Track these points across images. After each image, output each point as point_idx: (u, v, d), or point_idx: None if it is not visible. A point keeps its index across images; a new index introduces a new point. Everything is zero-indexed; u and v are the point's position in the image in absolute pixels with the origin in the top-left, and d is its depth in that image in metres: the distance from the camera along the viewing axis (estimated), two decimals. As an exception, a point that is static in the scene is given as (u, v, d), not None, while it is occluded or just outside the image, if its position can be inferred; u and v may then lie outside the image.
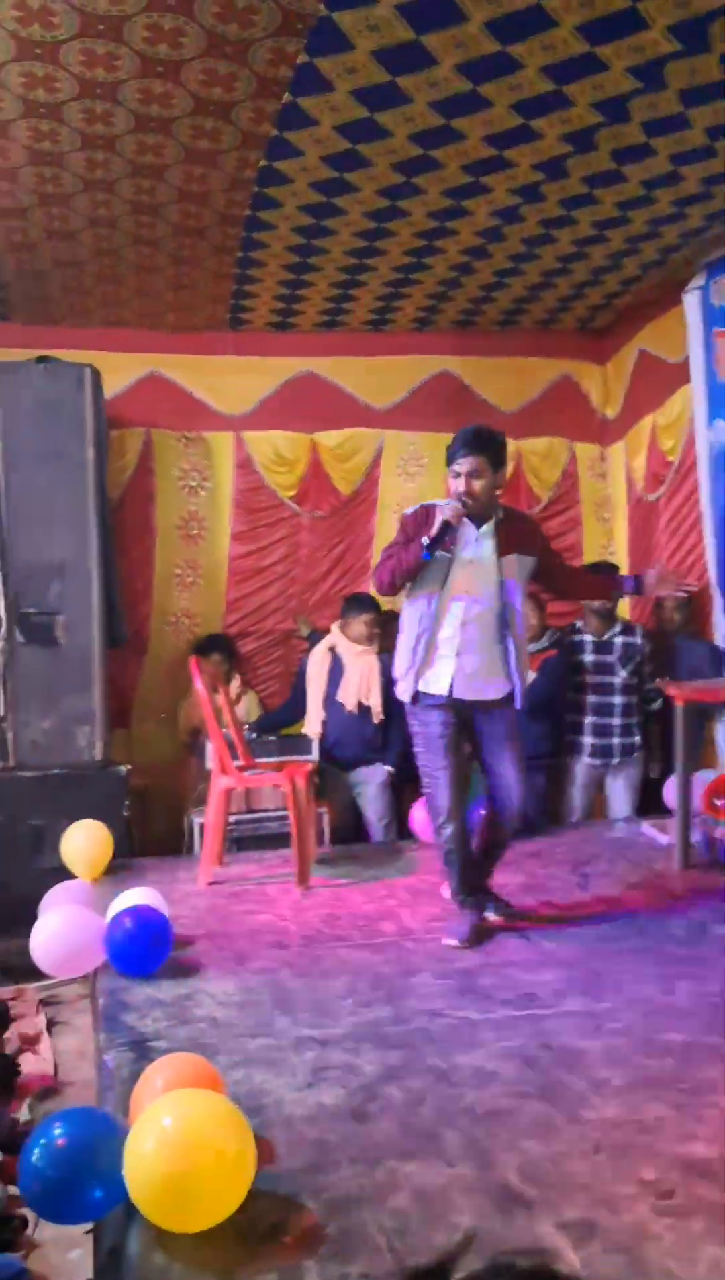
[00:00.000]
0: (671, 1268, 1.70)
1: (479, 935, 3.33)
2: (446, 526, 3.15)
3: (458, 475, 3.22)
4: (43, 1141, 1.94)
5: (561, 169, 3.84)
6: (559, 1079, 2.39)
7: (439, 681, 3.31)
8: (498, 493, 3.29)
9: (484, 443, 3.24)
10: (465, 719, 3.37)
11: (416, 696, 3.36)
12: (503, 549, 3.26)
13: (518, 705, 3.37)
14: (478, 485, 3.20)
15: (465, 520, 3.23)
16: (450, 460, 3.25)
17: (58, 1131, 1.96)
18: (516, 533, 3.31)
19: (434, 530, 3.16)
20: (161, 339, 5.55)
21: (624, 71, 3.15)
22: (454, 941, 3.28)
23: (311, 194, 4.02)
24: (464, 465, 3.21)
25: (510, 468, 5.82)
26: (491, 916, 3.47)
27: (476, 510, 3.23)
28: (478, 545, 3.28)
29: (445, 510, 3.16)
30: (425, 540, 3.18)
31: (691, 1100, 2.25)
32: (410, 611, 3.36)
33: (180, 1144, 1.81)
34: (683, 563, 5.38)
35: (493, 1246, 1.80)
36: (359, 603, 5.05)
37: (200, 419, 5.63)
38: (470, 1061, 2.49)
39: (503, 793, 3.42)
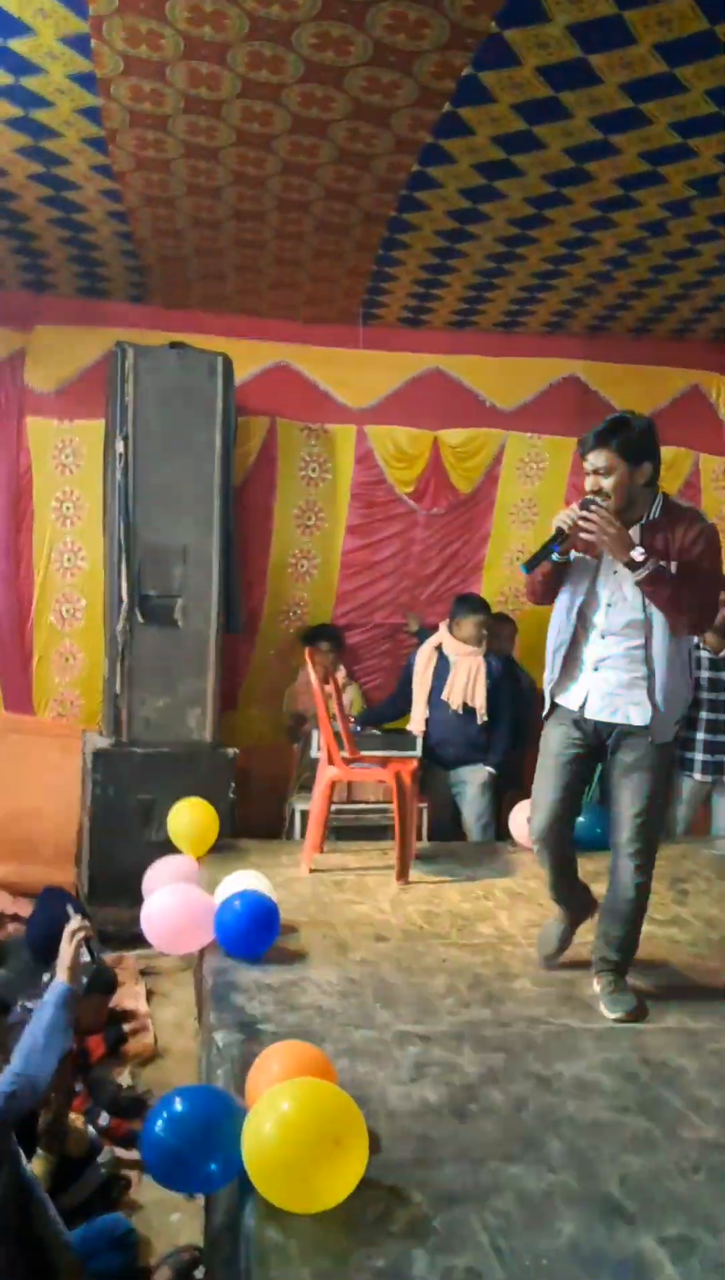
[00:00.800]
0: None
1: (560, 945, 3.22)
2: (560, 534, 2.83)
3: (589, 473, 2.87)
4: (166, 1113, 2.07)
5: (714, 187, 3.81)
6: (659, 1096, 2.44)
7: (573, 697, 2.99)
8: (646, 487, 2.85)
9: (613, 432, 2.80)
10: (598, 743, 3.00)
11: (551, 709, 3.07)
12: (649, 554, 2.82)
13: (654, 737, 2.90)
14: (608, 483, 2.80)
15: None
16: (584, 456, 2.91)
17: (181, 1105, 2.08)
18: (664, 538, 2.83)
19: (550, 538, 2.87)
20: (293, 329, 5.64)
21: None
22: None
23: (459, 199, 4.06)
24: (591, 461, 2.85)
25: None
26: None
27: (615, 510, 2.81)
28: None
29: (562, 517, 2.85)
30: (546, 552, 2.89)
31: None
32: (553, 619, 3.06)
33: (300, 1129, 1.91)
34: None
35: (594, 1255, 1.87)
36: (468, 603, 5.08)
37: (324, 410, 5.72)
38: (571, 1070, 2.55)
39: (612, 834, 3.01)
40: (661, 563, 2.78)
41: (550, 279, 4.95)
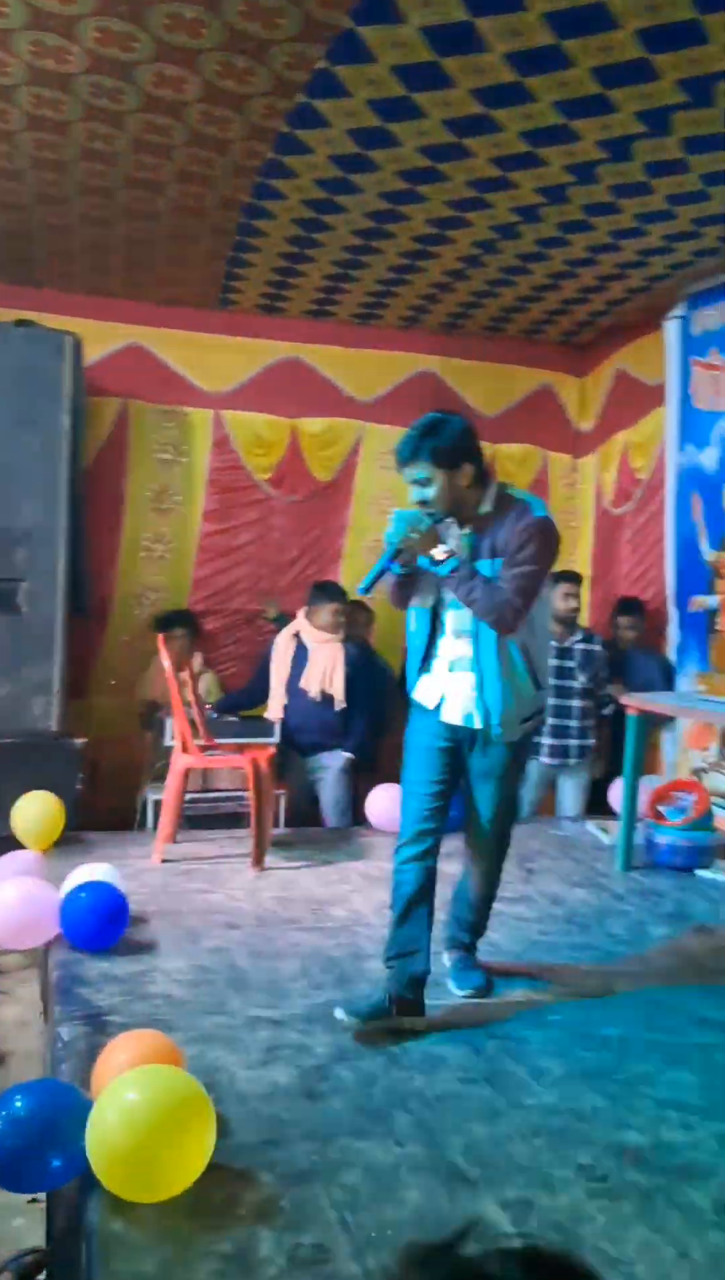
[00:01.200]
0: (604, 1247, 1.85)
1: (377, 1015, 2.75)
2: (396, 551, 2.66)
3: (409, 484, 2.73)
4: (4, 1112, 1.99)
5: (563, 195, 3.95)
6: (503, 1067, 2.53)
7: (430, 696, 2.88)
8: (471, 488, 2.69)
9: (422, 442, 2.66)
10: (457, 743, 2.89)
11: (412, 702, 2.96)
12: (475, 553, 2.73)
13: (494, 741, 2.83)
14: (430, 493, 2.67)
15: (449, 522, 2.74)
16: (400, 470, 2.76)
17: (20, 1102, 2.01)
18: (492, 534, 2.72)
19: (386, 555, 2.70)
20: (146, 311, 5.54)
21: (633, 115, 3.27)
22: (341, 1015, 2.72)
23: (315, 190, 4.08)
24: (407, 474, 2.71)
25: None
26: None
27: (453, 515, 2.72)
28: (451, 537, 2.79)
29: (389, 533, 2.67)
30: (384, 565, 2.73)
31: (625, 1091, 2.41)
32: (414, 616, 2.92)
33: (144, 1118, 1.89)
34: (643, 577, 5.57)
35: (438, 1220, 1.93)
36: (325, 591, 5.10)
37: (180, 394, 5.65)
38: (419, 1046, 2.62)
39: (465, 830, 3.01)
40: (467, 561, 2.67)
41: (406, 274, 5.03)
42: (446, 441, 2.66)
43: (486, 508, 2.73)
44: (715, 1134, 2.24)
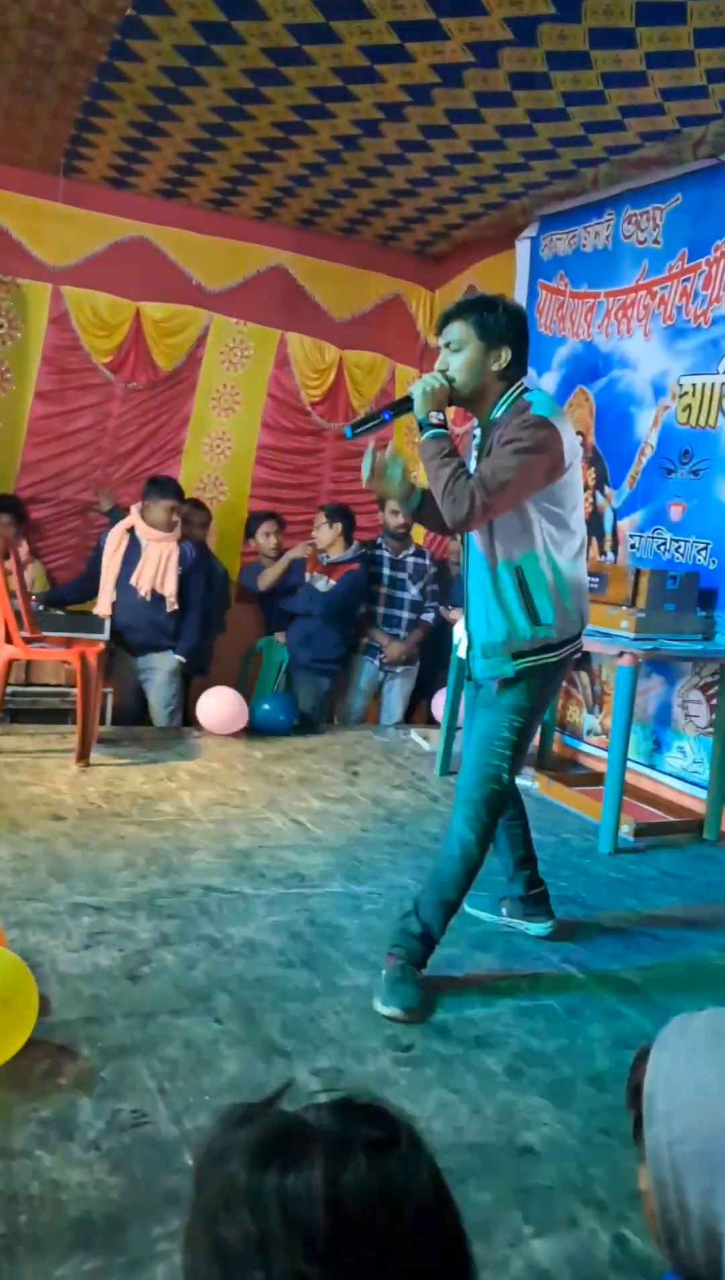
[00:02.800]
0: (405, 1105, 2.00)
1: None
2: (402, 402, 2.50)
3: (442, 348, 2.52)
4: None
5: (427, 96, 3.89)
6: (321, 951, 2.66)
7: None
8: (500, 379, 2.45)
9: (472, 307, 2.45)
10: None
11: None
12: (481, 457, 2.48)
13: (475, 670, 2.60)
14: (456, 360, 2.45)
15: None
16: (438, 332, 2.55)
17: None
18: (493, 439, 2.44)
19: (392, 403, 2.56)
20: (-17, 170, 5.14)
21: (502, 21, 3.23)
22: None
23: (175, 57, 3.84)
24: (443, 335, 2.49)
25: (332, 376, 5.99)
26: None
27: (462, 396, 2.47)
28: (470, 455, 2.56)
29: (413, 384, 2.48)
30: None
31: (433, 972, 2.57)
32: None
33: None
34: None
35: (254, 1088, 2.04)
36: (161, 487, 4.93)
37: (15, 263, 5.28)
38: (242, 932, 2.72)
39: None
40: (434, 433, 2.42)
41: (264, 161, 4.86)
42: (495, 314, 2.44)
43: (499, 413, 2.46)
44: (512, 1008, 2.45)
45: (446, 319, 2.49)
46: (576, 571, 2.54)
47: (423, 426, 2.44)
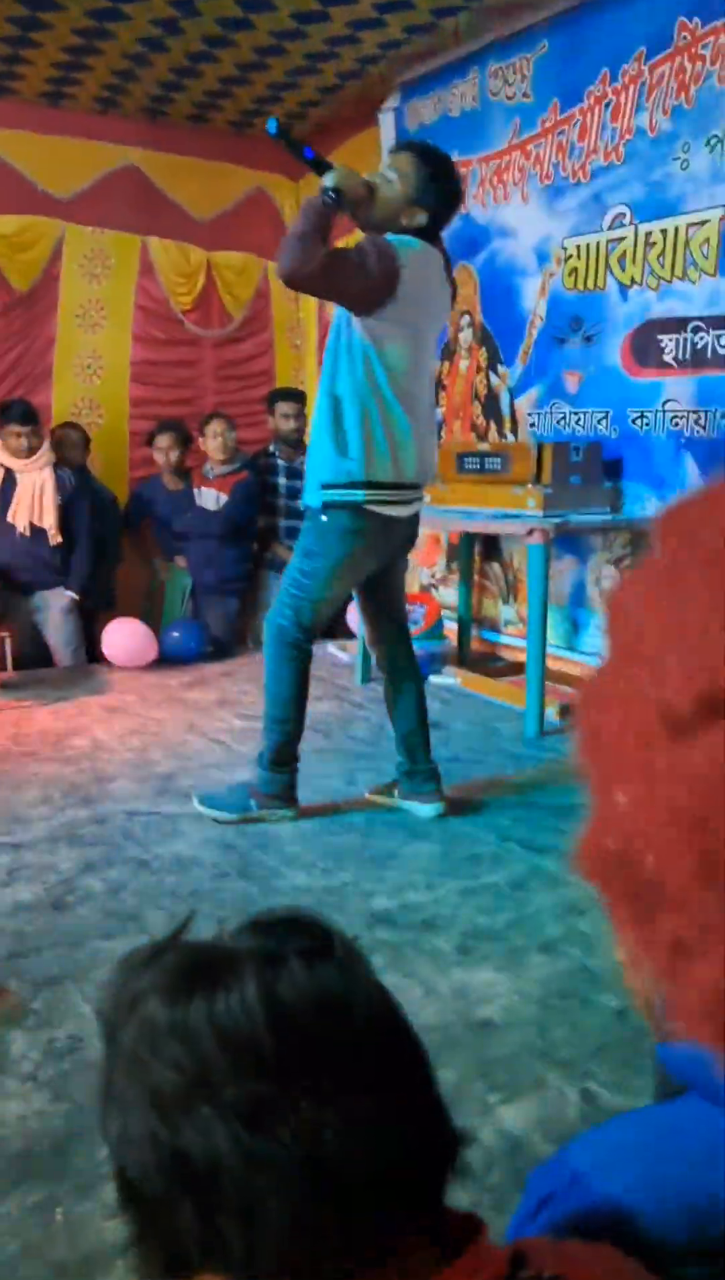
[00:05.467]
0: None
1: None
2: (325, 169, 2.52)
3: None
4: None
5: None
6: (256, 859, 2.56)
7: None
8: (402, 223, 2.55)
9: (430, 157, 2.57)
10: None
11: None
12: None
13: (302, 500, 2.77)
14: (383, 189, 2.54)
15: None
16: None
17: None
18: None
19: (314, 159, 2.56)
20: None
21: None
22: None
23: None
24: (389, 159, 2.63)
25: (201, 280, 5.67)
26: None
27: (366, 218, 2.57)
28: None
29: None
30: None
31: (373, 865, 2.51)
32: None
33: None
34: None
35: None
36: (4, 411, 4.58)
37: None
38: (170, 850, 2.60)
39: None
40: (329, 200, 2.46)
41: (95, 39, 4.45)
42: (440, 183, 2.57)
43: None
44: (455, 889, 2.39)
45: (405, 148, 2.62)
46: (403, 423, 2.58)
47: (324, 192, 2.48)
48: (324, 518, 2.63)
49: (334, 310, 2.60)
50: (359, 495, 2.59)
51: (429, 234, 2.60)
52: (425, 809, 2.85)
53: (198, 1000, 0.59)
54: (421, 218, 2.56)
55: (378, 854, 2.60)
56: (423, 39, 4.41)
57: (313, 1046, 0.59)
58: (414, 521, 2.80)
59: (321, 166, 2.54)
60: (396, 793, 2.92)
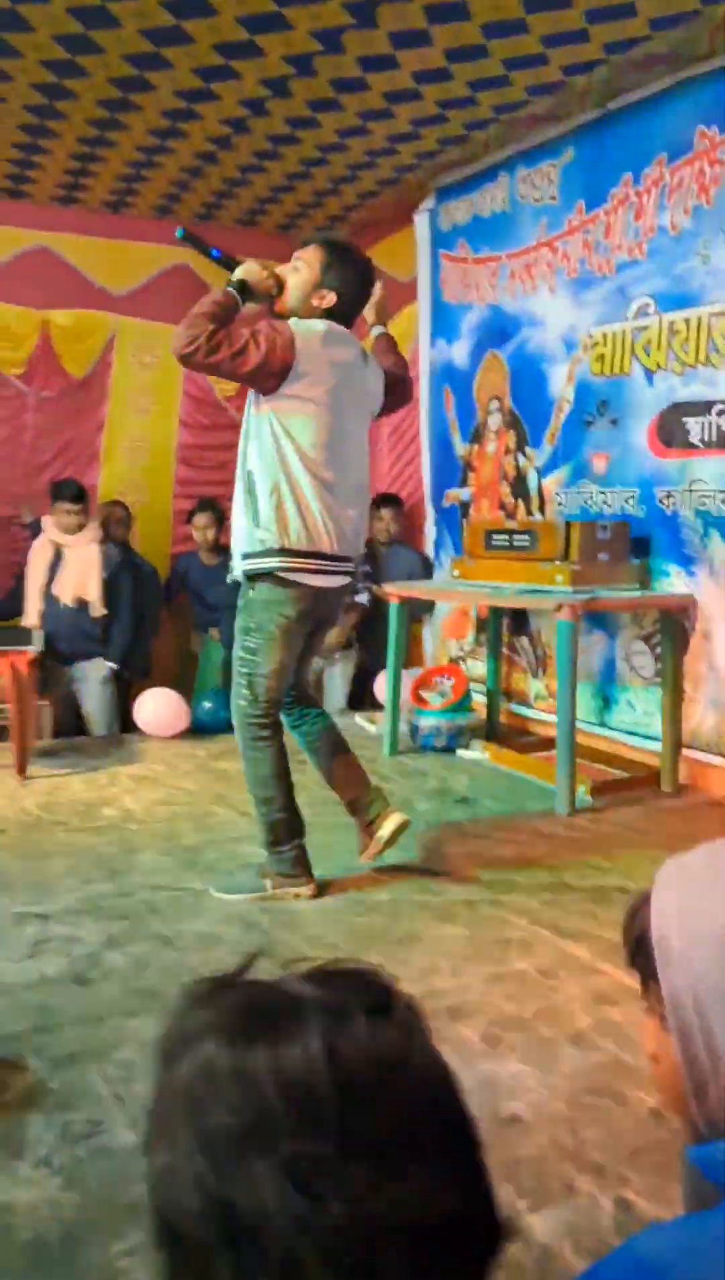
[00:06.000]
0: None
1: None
2: (233, 265, 2.76)
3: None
4: None
5: (310, 66, 3.82)
6: (279, 938, 2.56)
7: None
8: (312, 308, 2.73)
9: (329, 245, 2.77)
10: None
11: None
12: None
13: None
14: (293, 278, 2.73)
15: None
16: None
17: None
18: None
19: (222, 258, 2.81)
20: None
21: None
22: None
23: (54, 48, 3.73)
24: (297, 254, 2.78)
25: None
26: None
27: (281, 307, 2.76)
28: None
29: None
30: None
31: (398, 948, 2.49)
32: None
33: None
34: (401, 475, 5.67)
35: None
36: (59, 490, 4.80)
37: None
38: (193, 928, 2.61)
39: None
40: (231, 290, 2.66)
41: (156, 154, 4.76)
42: (344, 264, 2.74)
43: None
44: (482, 975, 2.35)
45: (311, 241, 2.78)
46: (312, 495, 2.67)
47: (229, 284, 2.68)
48: (251, 592, 2.74)
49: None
50: (275, 562, 2.68)
51: (343, 317, 2.76)
52: (391, 821, 2.91)
53: (260, 1046, 0.57)
54: (330, 298, 2.71)
55: (403, 936, 2.58)
56: (456, 149, 4.63)
57: (373, 1109, 0.57)
58: (341, 593, 2.91)
59: (230, 264, 2.76)
60: (373, 839, 2.93)
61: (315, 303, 2.71)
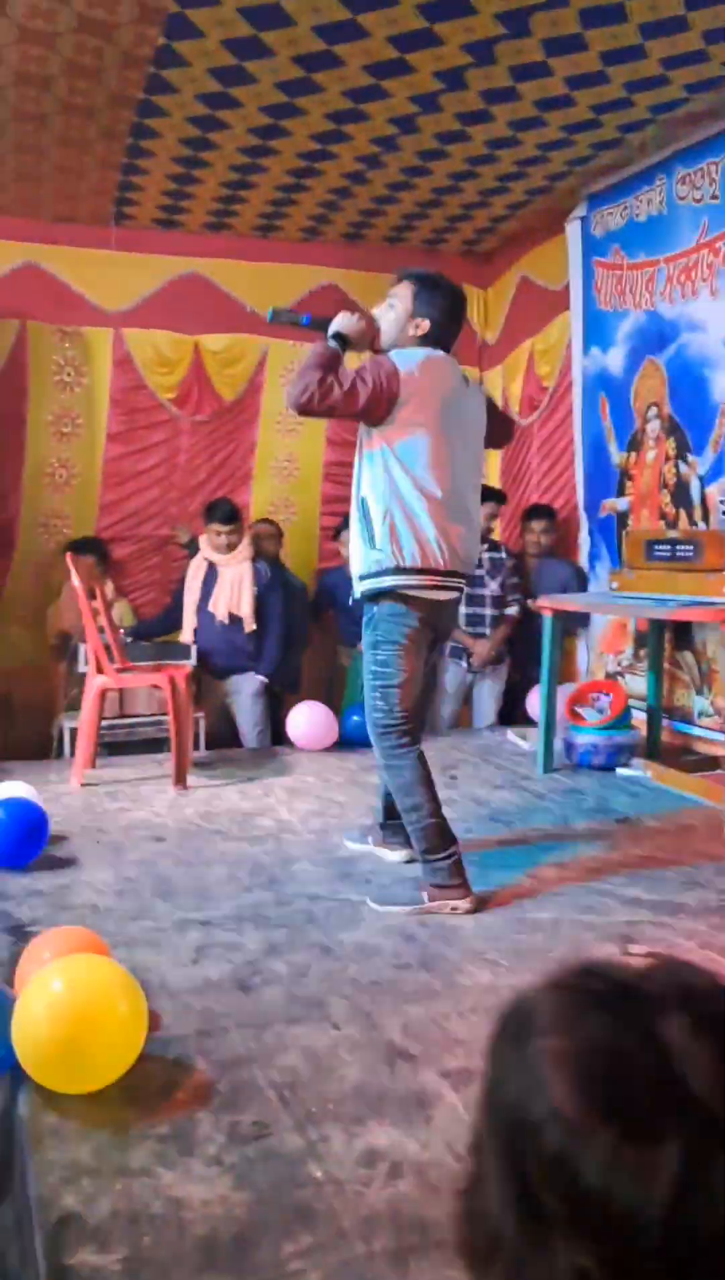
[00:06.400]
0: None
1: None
2: (328, 323, 2.88)
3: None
4: None
5: (460, 80, 3.83)
6: (438, 952, 2.53)
7: None
8: (408, 339, 2.86)
9: (415, 277, 2.91)
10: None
11: None
12: None
13: (358, 591, 2.92)
14: (386, 316, 2.89)
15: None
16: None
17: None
18: None
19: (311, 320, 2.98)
20: (40, 228, 5.29)
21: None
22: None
23: (208, 81, 3.87)
24: (390, 289, 2.93)
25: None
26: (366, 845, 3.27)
27: (380, 345, 2.88)
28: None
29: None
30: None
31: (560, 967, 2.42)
32: None
33: (72, 1005, 1.83)
34: (553, 485, 5.58)
35: (379, 1093, 1.92)
36: (212, 511, 4.95)
37: (78, 313, 5.42)
38: (353, 938, 2.61)
39: None
40: (332, 344, 2.80)
41: (304, 178, 4.86)
42: (431, 291, 2.87)
43: None
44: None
45: (400, 277, 2.92)
46: (423, 517, 2.77)
47: (331, 338, 2.81)
48: (375, 609, 2.86)
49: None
50: (392, 580, 2.80)
51: (440, 342, 2.86)
52: (396, 855, 3.13)
53: (640, 1023, 0.55)
54: (424, 325, 2.84)
55: (566, 955, 2.52)
56: (609, 153, 4.54)
57: None
58: (455, 605, 3.04)
59: (322, 324, 2.89)
60: (369, 837, 3.22)
61: (411, 332, 2.85)
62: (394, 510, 2.77)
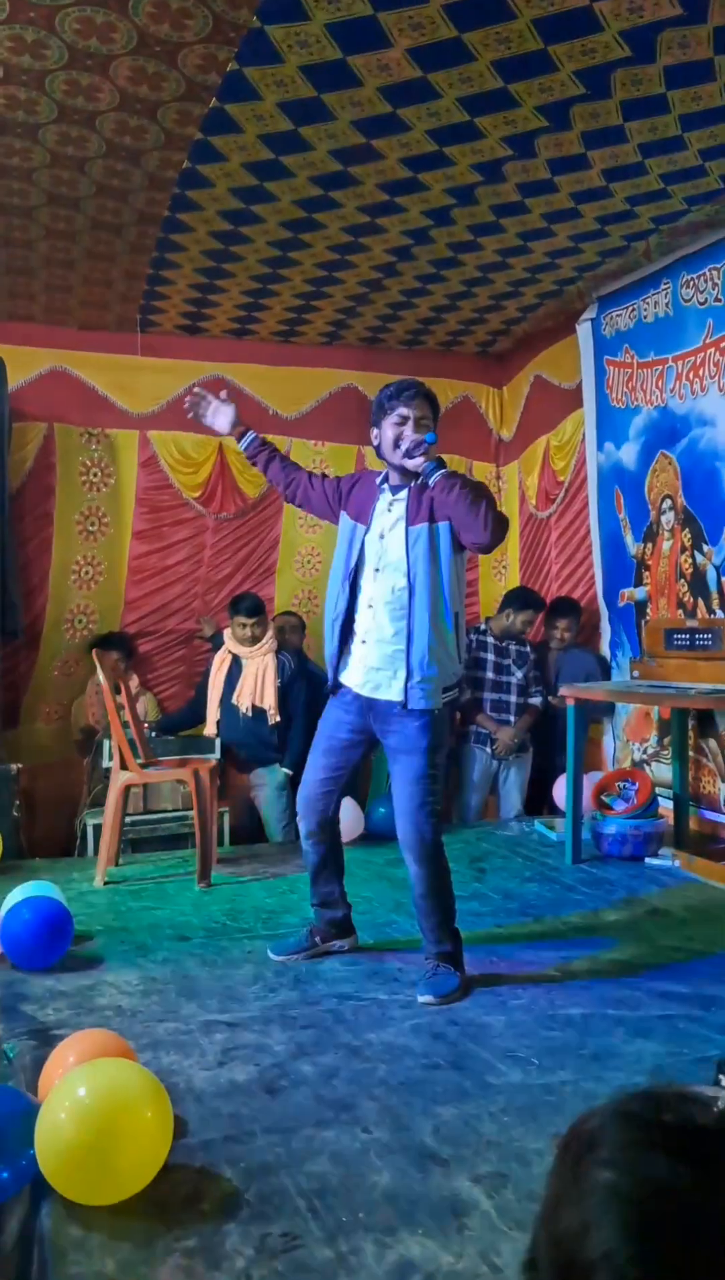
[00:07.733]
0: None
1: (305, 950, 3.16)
2: (418, 445, 2.86)
3: (402, 421, 2.88)
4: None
5: (471, 196, 4.02)
6: (468, 1050, 2.49)
7: (351, 674, 2.98)
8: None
9: (430, 393, 2.97)
10: (367, 725, 2.99)
11: (335, 687, 3.05)
12: (413, 517, 2.87)
13: (410, 703, 2.87)
14: (432, 429, 2.93)
15: (380, 484, 2.97)
16: (387, 410, 2.91)
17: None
18: (429, 497, 2.86)
19: (409, 446, 2.87)
20: (69, 335, 5.52)
21: (533, 110, 3.34)
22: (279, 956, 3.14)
23: (231, 199, 4.09)
24: (413, 409, 2.88)
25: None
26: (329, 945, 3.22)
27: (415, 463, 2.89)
28: (387, 513, 2.93)
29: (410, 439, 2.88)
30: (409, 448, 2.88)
31: (592, 1064, 2.38)
32: (329, 589, 3.06)
33: (97, 1113, 1.80)
34: (571, 576, 5.64)
35: (411, 1200, 1.87)
36: (236, 604, 5.01)
37: (105, 416, 5.61)
38: (381, 1038, 2.56)
39: (395, 818, 2.96)
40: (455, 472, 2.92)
41: (324, 286, 5.07)
42: (437, 411, 3.05)
43: (418, 480, 2.95)
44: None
45: (413, 394, 2.92)
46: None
47: (439, 465, 2.87)
48: (436, 712, 2.92)
49: (427, 527, 2.86)
50: (451, 696, 2.99)
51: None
52: (341, 944, 3.21)
53: (708, 1176, 0.54)
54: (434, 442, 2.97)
55: (598, 1051, 2.46)
56: (616, 260, 4.73)
57: None
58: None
59: (439, 464, 2.91)
60: (317, 937, 3.20)
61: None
62: (461, 620, 2.98)
